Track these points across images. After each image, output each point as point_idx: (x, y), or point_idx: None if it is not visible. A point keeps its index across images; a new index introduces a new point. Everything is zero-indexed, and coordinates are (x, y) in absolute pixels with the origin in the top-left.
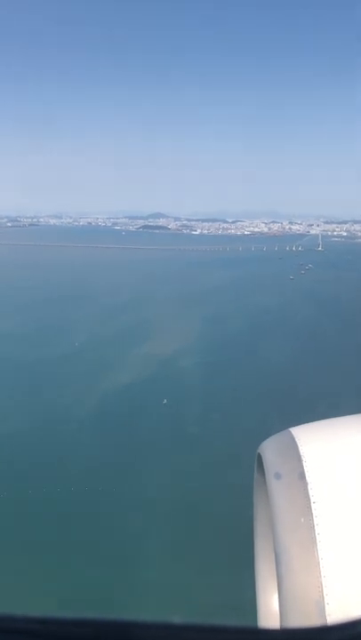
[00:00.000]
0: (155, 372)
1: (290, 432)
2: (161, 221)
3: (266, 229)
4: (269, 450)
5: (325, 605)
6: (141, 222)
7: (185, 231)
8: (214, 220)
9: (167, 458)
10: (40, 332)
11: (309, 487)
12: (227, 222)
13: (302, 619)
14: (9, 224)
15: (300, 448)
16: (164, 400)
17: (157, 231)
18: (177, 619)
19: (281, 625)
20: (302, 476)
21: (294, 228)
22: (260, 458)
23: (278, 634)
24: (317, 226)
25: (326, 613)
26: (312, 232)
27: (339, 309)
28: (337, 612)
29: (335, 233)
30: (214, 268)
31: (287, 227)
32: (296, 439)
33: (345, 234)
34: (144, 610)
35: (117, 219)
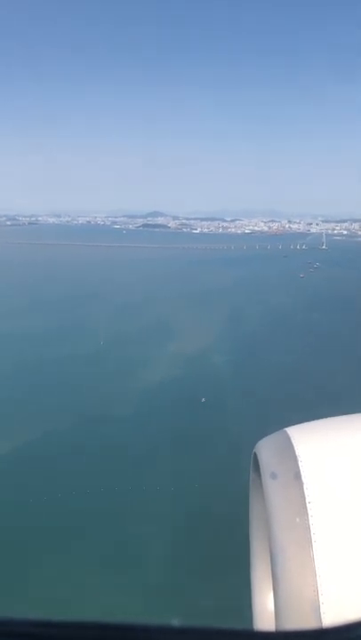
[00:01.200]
0: (186, 370)
1: (286, 432)
2: (160, 220)
3: (266, 228)
4: (265, 449)
5: (320, 605)
6: (140, 221)
7: (185, 230)
8: (213, 219)
9: (222, 459)
10: (60, 331)
11: (305, 487)
12: (225, 221)
13: (297, 618)
14: (8, 222)
15: (295, 448)
16: (202, 399)
17: (157, 230)
18: (176, 621)
19: (276, 625)
20: (298, 475)
21: (294, 226)
22: (255, 457)
23: (275, 636)
24: (316, 225)
25: (321, 613)
26: (312, 231)
27: (358, 306)
28: (332, 612)
29: (336, 232)
30: (223, 266)
31: (287, 225)
32: (292, 439)
33: (345, 232)
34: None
35: (116, 217)
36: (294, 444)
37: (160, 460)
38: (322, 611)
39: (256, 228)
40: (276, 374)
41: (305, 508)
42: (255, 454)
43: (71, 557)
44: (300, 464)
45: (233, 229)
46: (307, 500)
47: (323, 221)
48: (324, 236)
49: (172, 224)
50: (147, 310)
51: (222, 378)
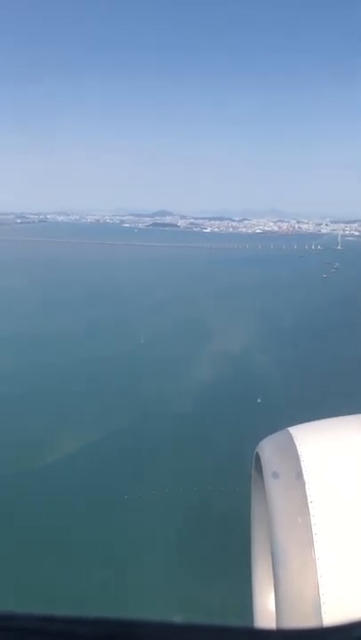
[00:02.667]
0: (233, 369)
1: (288, 431)
2: (167, 219)
3: (276, 228)
4: (267, 449)
5: (322, 605)
6: (148, 220)
7: (195, 229)
8: (221, 219)
9: None
10: (98, 330)
11: (307, 487)
12: (234, 221)
13: (299, 618)
14: (18, 220)
15: (298, 447)
16: (258, 399)
17: (168, 229)
18: (177, 618)
19: (277, 625)
20: (300, 475)
21: (303, 227)
22: (257, 457)
23: (276, 635)
24: (326, 225)
25: (323, 613)
26: (323, 231)
27: None
28: (333, 611)
29: (347, 232)
30: (244, 265)
31: (296, 226)
32: (294, 438)
33: (356, 233)
34: None
35: (123, 216)
36: (297, 444)
37: (243, 462)
38: (323, 610)
39: (266, 228)
40: (330, 375)
41: (307, 507)
42: (257, 453)
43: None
44: (302, 463)
45: (243, 229)
46: (308, 500)
47: (332, 222)
48: (340, 237)
49: (181, 223)
50: (180, 309)
51: (272, 378)
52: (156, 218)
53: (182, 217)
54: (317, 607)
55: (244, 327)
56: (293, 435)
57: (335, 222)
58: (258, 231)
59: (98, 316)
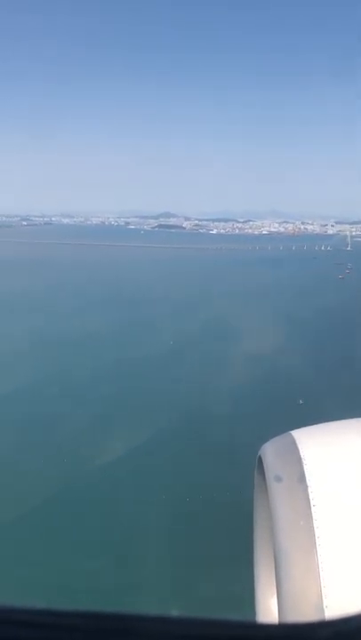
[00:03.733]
0: (269, 370)
1: (291, 435)
2: (172, 221)
3: (282, 229)
4: (270, 452)
5: (324, 609)
6: (152, 221)
7: (201, 231)
8: (225, 220)
9: None
10: (126, 332)
11: (310, 490)
12: (238, 222)
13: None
14: (24, 223)
15: (300, 451)
16: (299, 400)
17: (173, 230)
18: (176, 612)
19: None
20: (303, 479)
21: (309, 228)
22: (260, 460)
23: (275, 629)
24: (332, 226)
25: (325, 617)
26: (330, 232)
27: None
28: (336, 614)
29: (354, 233)
30: (259, 266)
31: (302, 227)
32: (297, 442)
33: None
34: None
35: (128, 218)
36: (299, 447)
37: None
38: (326, 614)
39: (272, 229)
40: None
41: (309, 511)
42: (260, 457)
43: None
44: (304, 467)
45: (249, 230)
46: (311, 504)
47: (337, 223)
48: (349, 238)
49: (186, 225)
50: (205, 311)
51: (310, 379)
52: (161, 219)
53: (186, 218)
54: (320, 610)
55: (275, 328)
56: (296, 438)
57: (340, 223)
58: (264, 232)
59: (124, 319)
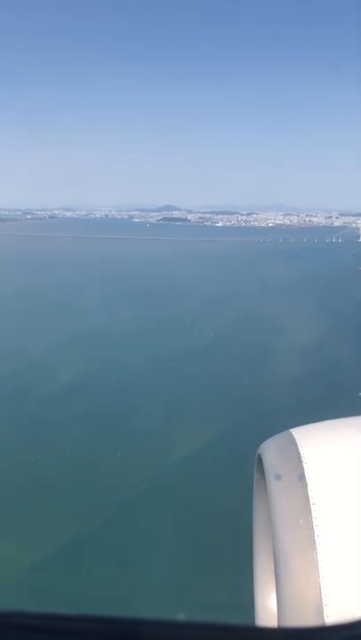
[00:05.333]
0: (316, 362)
1: (290, 433)
2: (175, 214)
3: (287, 222)
4: (270, 450)
5: (324, 607)
6: (156, 214)
7: (207, 223)
8: (227, 213)
9: None
10: (162, 326)
11: (309, 488)
12: (242, 215)
13: (300, 620)
14: (28, 217)
15: (300, 449)
16: (359, 393)
17: (179, 223)
18: (180, 616)
19: (279, 625)
20: (302, 477)
21: (315, 220)
22: (260, 458)
23: (277, 633)
24: (336, 218)
25: (325, 615)
26: (336, 224)
27: None
28: (335, 613)
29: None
30: (277, 257)
31: (307, 219)
32: (296, 440)
33: None
34: None
35: (130, 211)
36: (299, 446)
37: None
38: (325, 612)
39: (277, 222)
40: None
41: (309, 509)
42: (259, 455)
43: None
44: (304, 465)
45: (255, 223)
46: (311, 502)
47: (341, 215)
48: (360, 230)
49: (190, 217)
50: (238, 303)
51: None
52: (164, 212)
53: (188, 211)
54: (319, 608)
55: (312, 320)
56: (295, 436)
57: (343, 215)
58: (270, 225)
59: (157, 313)
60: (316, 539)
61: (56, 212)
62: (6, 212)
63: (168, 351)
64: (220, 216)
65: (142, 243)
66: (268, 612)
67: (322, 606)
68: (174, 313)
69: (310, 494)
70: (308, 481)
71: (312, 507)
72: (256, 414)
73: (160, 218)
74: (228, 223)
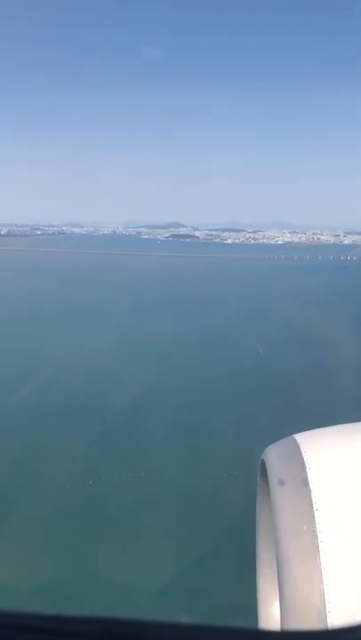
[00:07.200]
0: None
1: (294, 438)
2: (182, 230)
3: (296, 239)
4: (273, 456)
5: (327, 613)
6: (163, 231)
7: (215, 240)
8: (234, 230)
9: None
10: (209, 340)
11: (313, 494)
12: (248, 232)
13: (304, 626)
14: (38, 232)
15: (303, 455)
16: None
17: (188, 240)
18: (183, 618)
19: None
20: (306, 482)
21: (323, 238)
22: (263, 464)
23: (280, 635)
24: (344, 236)
25: (328, 622)
26: (345, 242)
27: None
28: (339, 620)
29: None
30: (300, 275)
31: (315, 237)
32: (300, 446)
33: None
34: None
35: (137, 228)
36: (302, 451)
37: None
38: (329, 619)
39: (286, 239)
40: None
41: (312, 515)
42: (263, 461)
43: None
44: (307, 471)
45: (263, 240)
46: (314, 508)
47: (347, 233)
48: None
49: (198, 234)
50: (277, 319)
51: None
52: (171, 229)
53: (194, 228)
54: (323, 615)
55: (354, 335)
56: (299, 442)
57: (350, 234)
58: (280, 242)
59: (199, 327)
60: (320, 545)
61: (64, 228)
62: (15, 228)
63: (215, 368)
64: (226, 233)
65: (161, 259)
66: (271, 619)
67: (325, 613)
68: (210, 327)
69: (314, 500)
70: (311, 487)
71: (315, 512)
72: None
73: (168, 235)
74: (236, 240)
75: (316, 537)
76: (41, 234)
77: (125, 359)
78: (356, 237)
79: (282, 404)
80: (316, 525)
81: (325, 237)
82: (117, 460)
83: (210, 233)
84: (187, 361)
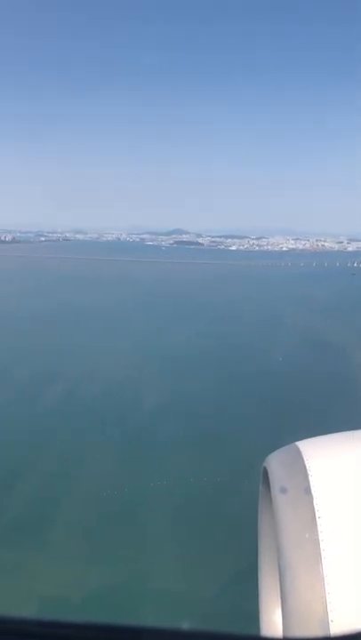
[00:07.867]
0: None
1: (296, 446)
2: (185, 237)
3: (300, 246)
4: (275, 463)
5: (330, 622)
6: (166, 238)
7: (220, 247)
8: (237, 237)
9: None
10: (226, 347)
11: (315, 502)
12: (251, 239)
13: (306, 634)
14: (42, 239)
15: (306, 462)
16: None
17: (192, 247)
18: (184, 625)
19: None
20: (308, 490)
21: (327, 245)
22: (265, 471)
23: None
24: (348, 243)
25: (330, 630)
26: (350, 249)
27: None
28: (341, 628)
29: None
30: (309, 281)
31: (319, 244)
32: (302, 453)
33: None
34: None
35: (140, 234)
36: (305, 459)
37: None
38: (331, 627)
39: (290, 246)
40: None
41: (315, 523)
42: (265, 468)
43: None
44: (310, 479)
45: (268, 247)
46: (317, 516)
47: (351, 240)
48: None
49: (202, 241)
50: (295, 326)
51: None
52: (174, 236)
53: (198, 235)
54: (325, 624)
55: None
56: (301, 449)
57: (353, 240)
58: (284, 249)
59: (217, 333)
60: (322, 553)
61: (68, 235)
62: (19, 234)
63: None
64: (230, 240)
65: (167, 266)
66: (273, 628)
67: (328, 621)
68: (232, 337)
69: (316, 508)
70: (314, 494)
71: (318, 520)
72: None
73: (172, 241)
74: (240, 247)
75: (318, 545)
76: (45, 240)
77: (146, 367)
78: (359, 244)
79: (310, 410)
80: (319, 533)
81: (329, 244)
82: (152, 467)
83: (213, 240)
84: (206, 368)
